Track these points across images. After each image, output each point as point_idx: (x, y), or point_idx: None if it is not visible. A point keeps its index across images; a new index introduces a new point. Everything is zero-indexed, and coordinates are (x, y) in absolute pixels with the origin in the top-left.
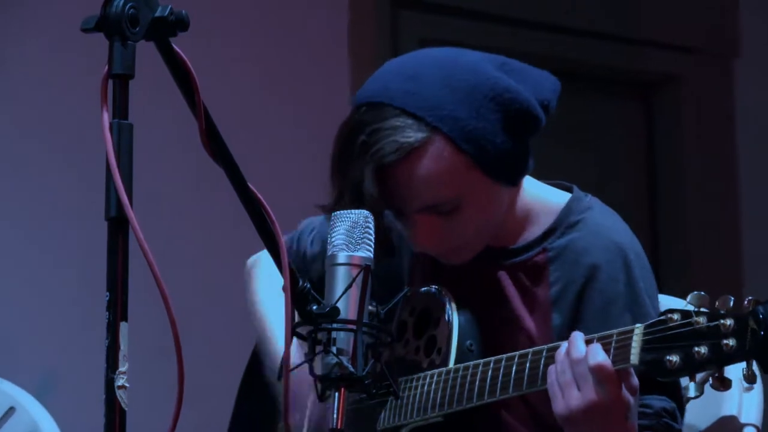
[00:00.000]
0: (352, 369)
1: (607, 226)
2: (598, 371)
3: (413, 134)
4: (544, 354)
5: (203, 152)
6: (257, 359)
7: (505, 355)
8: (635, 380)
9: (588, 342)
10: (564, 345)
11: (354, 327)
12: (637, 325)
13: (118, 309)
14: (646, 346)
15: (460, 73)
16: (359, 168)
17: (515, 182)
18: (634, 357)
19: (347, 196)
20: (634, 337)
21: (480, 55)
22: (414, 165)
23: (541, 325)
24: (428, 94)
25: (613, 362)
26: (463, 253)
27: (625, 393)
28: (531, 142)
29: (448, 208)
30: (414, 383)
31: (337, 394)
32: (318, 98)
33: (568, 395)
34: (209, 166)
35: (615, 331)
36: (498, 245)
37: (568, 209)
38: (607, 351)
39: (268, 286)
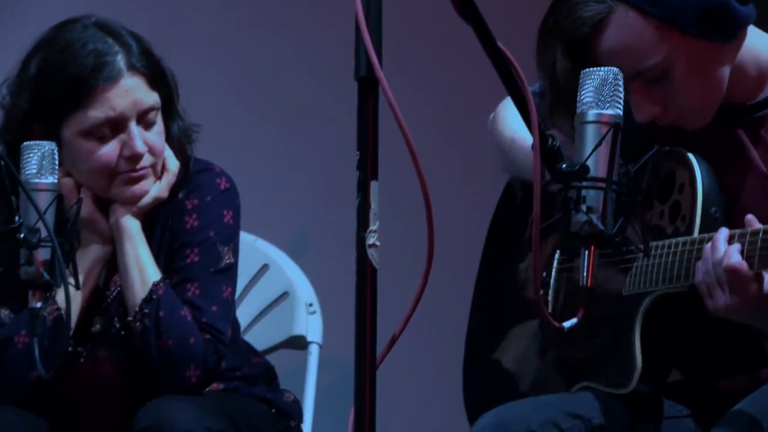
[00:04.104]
0: (601, 227)
1: None
2: (732, 273)
3: (595, 6)
4: None
5: (451, 11)
6: (498, 223)
7: (750, 229)
8: None
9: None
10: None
11: (604, 185)
12: None
13: (368, 168)
14: None
15: None
16: (552, 51)
17: (724, 37)
18: None
19: (548, 86)
20: None
21: None
22: (603, 36)
23: None
24: None
25: None
26: (696, 118)
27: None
28: None
29: (654, 74)
30: (660, 250)
31: (586, 252)
32: None
33: (715, 296)
34: (457, 25)
35: None
36: (734, 102)
37: None
38: None
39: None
